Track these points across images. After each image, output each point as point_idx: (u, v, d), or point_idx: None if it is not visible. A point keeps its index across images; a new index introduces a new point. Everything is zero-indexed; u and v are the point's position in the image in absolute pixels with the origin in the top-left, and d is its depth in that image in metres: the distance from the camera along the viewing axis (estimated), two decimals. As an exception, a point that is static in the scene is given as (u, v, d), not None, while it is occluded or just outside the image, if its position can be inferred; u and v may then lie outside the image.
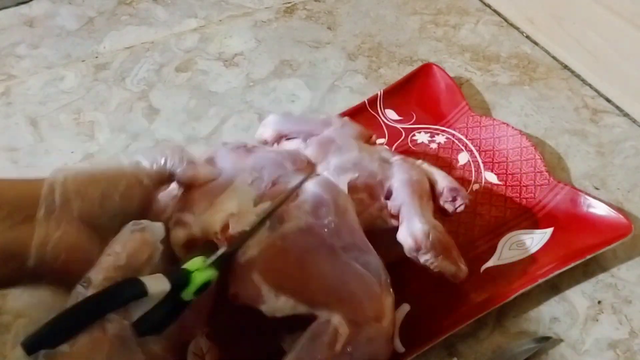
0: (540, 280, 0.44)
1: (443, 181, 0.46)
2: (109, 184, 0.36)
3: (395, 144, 0.57)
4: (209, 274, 0.34)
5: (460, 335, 0.43)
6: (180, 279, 0.33)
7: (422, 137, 0.58)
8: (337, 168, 0.42)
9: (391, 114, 0.60)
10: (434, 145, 0.57)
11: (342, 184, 0.41)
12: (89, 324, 0.30)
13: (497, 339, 0.44)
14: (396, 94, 0.60)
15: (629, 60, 0.59)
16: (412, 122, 0.59)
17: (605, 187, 0.54)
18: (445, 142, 0.57)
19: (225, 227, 0.37)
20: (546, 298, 0.46)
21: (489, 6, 0.74)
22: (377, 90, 0.61)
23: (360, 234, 0.39)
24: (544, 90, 0.64)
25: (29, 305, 0.46)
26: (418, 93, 0.61)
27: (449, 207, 0.45)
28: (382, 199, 0.42)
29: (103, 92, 0.64)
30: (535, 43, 0.69)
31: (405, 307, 0.45)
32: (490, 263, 0.47)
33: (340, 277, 0.36)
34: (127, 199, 0.36)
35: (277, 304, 0.35)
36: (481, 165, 0.55)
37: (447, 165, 0.55)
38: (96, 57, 0.69)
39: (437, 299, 0.45)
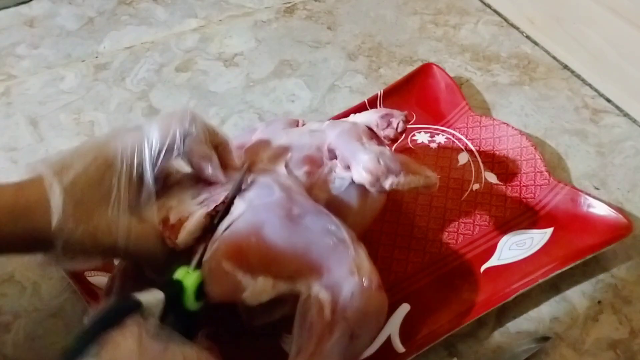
0: (540, 280, 0.44)
1: (372, 116, 0.46)
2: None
3: (396, 144, 0.57)
4: (198, 276, 0.34)
5: (460, 335, 0.43)
6: (172, 288, 0.33)
7: (422, 137, 0.58)
8: (270, 157, 0.42)
9: (391, 114, 0.60)
10: (434, 145, 0.57)
11: (280, 168, 0.41)
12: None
13: (497, 338, 0.44)
14: (396, 94, 0.60)
15: (629, 60, 0.59)
16: (412, 122, 0.59)
17: (605, 187, 0.54)
18: (445, 142, 0.57)
19: (165, 219, 0.37)
20: (546, 298, 0.46)
21: (489, 6, 0.74)
22: (377, 90, 0.61)
23: (312, 202, 0.39)
24: (544, 90, 0.64)
25: (30, 305, 0.46)
26: (418, 93, 0.61)
27: (388, 132, 0.45)
28: (327, 161, 0.42)
29: (103, 92, 0.64)
30: (535, 43, 0.69)
31: (405, 307, 0.45)
32: (490, 263, 0.47)
33: (305, 243, 0.36)
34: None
35: (257, 286, 0.34)
36: (481, 165, 0.55)
37: (447, 165, 0.55)
38: (96, 57, 0.69)
39: (437, 299, 0.45)
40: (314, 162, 0.42)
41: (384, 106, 0.60)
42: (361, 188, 0.41)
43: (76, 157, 0.35)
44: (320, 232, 0.37)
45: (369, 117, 0.47)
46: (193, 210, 0.37)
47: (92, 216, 0.34)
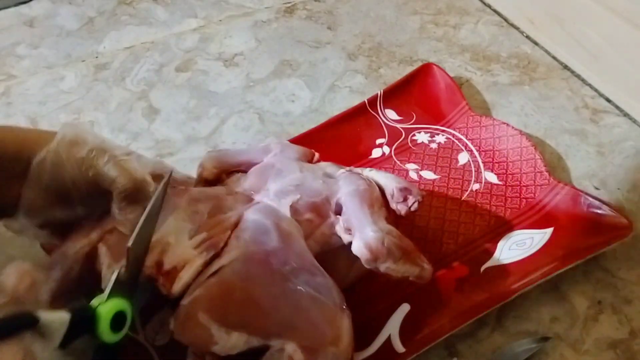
0: (540, 280, 0.44)
1: (391, 183, 0.44)
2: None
3: (395, 144, 0.57)
4: (114, 304, 0.32)
5: (460, 335, 0.43)
6: (82, 312, 0.31)
7: (422, 137, 0.58)
8: (277, 192, 0.41)
9: (391, 114, 0.60)
10: (434, 145, 0.57)
11: (284, 207, 0.40)
12: None
13: (497, 338, 0.44)
14: (396, 94, 0.60)
15: (629, 60, 0.59)
16: (412, 122, 0.59)
17: (605, 187, 0.54)
18: (445, 142, 0.57)
19: (159, 263, 0.36)
20: (546, 298, 0.46)
21: (489, 6, 0.74)
22: (377, 90, 0.61)
23: (309, 257, 0.38)
24: (544, 90, 0.64)
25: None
26: (418, 93, 0.61)
27: (401, 208, 0.43)
28: (332, 215, 0.41)
29: (103, 92, 0.64)
30: (535, 43, 0.69)
31: (405, 307, 0.45)
32: (490, 263, 0.47)
33: (292, 304, 0.35)
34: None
35: (229, 341, 0.33)
36: (481, 165, 0.55)
37: (447, 165, 0.55)
38: (96, 57, 0.69)
39: (437, 299, 0.45)
40: (319, 212, 0.41)
41: (384, 106, 0.60)
42: (352, 253, 0.40)
43: None
44: (310, 295, 0.36)
45: (387, 182, 0.45)
46: (188, 255, 0.36)
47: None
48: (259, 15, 0.74)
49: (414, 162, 0.55)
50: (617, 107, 0.61)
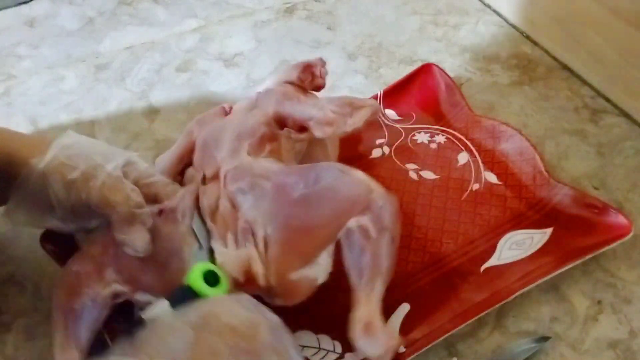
0: (540, 280, 0.44)
1: (291, 73, 0.47)
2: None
3: (395, 144, 0.57)
4: (203, 265, 0.35)
5: (460, 334, 0.43)
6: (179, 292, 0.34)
7: (422, 137, 0.58)
8: (229, 154, 0.42)
9: (391, 114, 0.60)
10: (433, 145, 0.57)
11: (244, 159, 0.41)
12: None
13: (497, 338, 0.44)
14: (396, 94, 0.60)
15: (629, 61, 0.59)
16: (412, 122, 0.59)
17: (605, 187, 0.54)
18: (445, 142, 0.57)
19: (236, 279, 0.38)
20: (546, 298, 0.46)
21: (488, 6, 0.74)
22: (377, 90, 0.61)
23: (296, 166, 0.41)
24: (543, 90, 0.64)
25: (30, 305, 0.46)
26: (418, 93, 0.61)
27: (319, 82, 0.47)
28: (280, 130, 0.43)
29: (103, 92, 0.64)
30: (535, 43, 0.69)
31: (405, 307, 0.45)
32: (490, 263, 0.47)
33: (328, 203, 0.38)
34: None
35: (321, 265, 0.37)
36: (481, 165, 0.55)
37: (446, 165, 0.55)
38: (96, 57, 0.69)
39: (437, 298, 0.45)
40: (270, 138, 0.42)
41: (384, 106, 0.60)
42: (319, 142, 0.42)
43: None
44: (329, 185, 0.38)
45: (287, 75, 0.47)
46: (244, 256, 0.38)
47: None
48: (259, 16, 0.74)
49: (414, 162, 0.55)
50: (616, 107, 0.61)
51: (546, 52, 0.68)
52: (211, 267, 0.35)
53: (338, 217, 0.37)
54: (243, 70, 0.67)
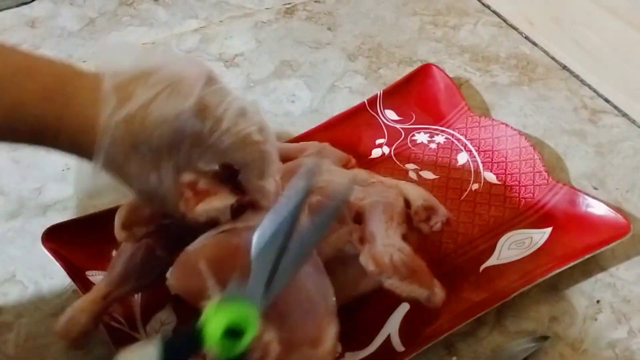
0: (539, 280, 0.44)
1: (418, 200, 0.43)
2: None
3: (395, 144, 0.57)
4: (226, 315, 0.28)
5: (459, 334, 0.43)
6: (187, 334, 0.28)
7: (421, 138, 0.58)
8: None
9: (391, 114, 0.60)
10: (433, 146, 0.57)
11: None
12: None
13: (497, 338, 0.44)
14: (396, 95, 0.60)
15: (628, 61, 0.60)
16: (411, 122, 0.59)
17: (604, 187, 0.54)
18: (444, 142, 0.57)
19: (194, 182, 0.35)
20: (545, 297, 0.46)
21: (488, 7, 0.75)
22: (377, 90, 0.61)
23: (315, 256, 0.37)
24: (542, 90, 0.64)
25: (31, 305, 0.46)
26: (417, 93, 0.61)
27: (423, 227, 0.42)
28: (351, 222, 0.40)
29: (104, 93, 0.64)
30: (534, 44, 0.69)
31: (405, 307, 0.45)
32: (489, 262, 0.47)
33: (286, 292, 0.33)
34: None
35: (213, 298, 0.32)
36: (480, 165, 0.55)
37: (446, 166, 0.55)
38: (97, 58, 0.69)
39: (437, 298, 0.45)
40: (339, 218, 0.40)
41: (384, 106, 0.60)
42: (360, 266, 0.39)
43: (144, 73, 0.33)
44: (305, 290, 0.35)
45: (415, 198, 0.43)
46: (223, 191, 0.35)
47: (137, 152, 0.32)
48: (260, 16, 0.74)
49: (414, 162, 0.55)
50: (615, 107, 0.62)
51: (545, 52, 0.68)
52: (240, 317, 0.28)
53: (271, 307, 0.32)
54: (243, 71, 0.67)
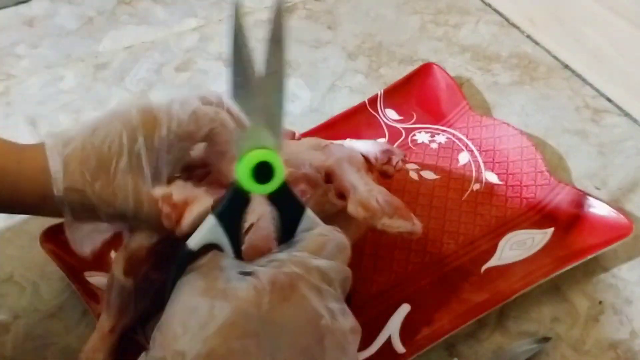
0: (541, 281, 0.44)
1: (373, 148, 0.46)
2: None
3: (396, 144, 0.57)
4: (257, 154, 0.30)
5: (460, 335, 0.43)
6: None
7: (422, 137, 0.58)
8: None
9: (391, 114, 0.59)
10: (434, 145, 0.57)
11: None
12: None
13: (498, 339, 0.44)
14: (396, 94, 0.60)
15: (630, 60, 0.59)
16: (412, 121, 0.59)
17: (606, 187, 0.54)
18: (445, 141, 0.57)
19: (167, 196, 0.35)
20: (547, 298, 0.46)
21: (489, 6, 0.74)
22: (377, 89, 0.61)
23: None
24: (544, 90, 0.63)
25: (29, 305, 0.46)
26: (418, 93, 0.60)
27: (387, 168, 0.46)
28: (323, 183, 0.42)
29: (103, 92, 0.64)
30: (536, 43, 0.69)
31: (406, 307, 0.44)
32: (490, 263, 0.47)
33: None
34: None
35: None
36: (482, 165, 0.55)
37: (447, 165, 0.55)
38: (96, 57, 0.68)
39: (438, 299, 0.45)
40: (309, 182, 0.41)
41: (384, 106, 0.60)
42: (348, 216, 0.41)
43: (84, 128, 0.34)
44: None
45: (369, 148, 0.47)
46: (196, 191, 0.35)
47: (98, 181, 0.33)
48: (259, 15, 0.74)
49: (414, 162, 0.55)
50: (618, 107, 0.61)
51: (547, 51, 0.68)
52: (264, 156, 0.30)
53: None
54: (243, 70, 0.67)
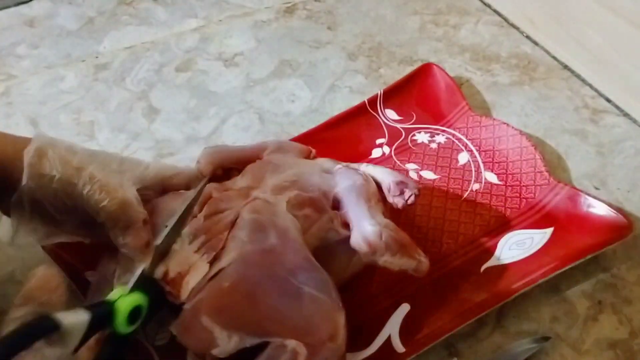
0: (540, 280, 0.44)
1: (388, 178, 0.45)
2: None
3: (395, 144, 0.57)
4: (133, 299, 0.34)
5: (460, 335, 0.43)
6: (101, 310, 0.32)
7: (422, 137, 0.58)
8: (274, 188, 0.41)
9: (391, 114, 0.60)
10: (434, 145, 0.57)
11: (281, 203, 0.40)
12: None
13: (497, 338, 0.44)
14: (396, 94, 0.60)
15: (629, 60, 0.59)
16: (412, 122, 0.59)
17: (605, 187, 0.54)
18: (445, 142, 0.57)
19: (166, 274, 0.37)
20: (546, 298, 0.46)
21: (489, 6, 0.74)
22: (377, 90, 0.61)
23: (306, 254, 0.38)
24: (544, 90, 0.64)
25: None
26: (418, 93, 0.61)
27: (398, 201, 0.44)
28: (329, 210, 0.41)
29: (103, 92, 0.64)
30: (535, 43, 0.69)
31: (405, 307, 0.45)
32: (490, 263, 0.47)
33: (291, 302, 0.35)
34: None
35: (230, 344, 0.33)
36: (481, 165, 0.55)
37: (447, 165, 0.55)
38: (96, 57, 0.69)
39: (437, 298, 0.45)
40: (316, 207, 0.40)
41: (384, 106, 0.60)
42: (350, 249, 0.40)
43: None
44: (308, 293, 0.36)
45: (383, 177, 0.45)
46: (191, 259, 0.37)
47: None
48: (259, 15, 0.74)
49: (414, 162, 0.55)
50: (617, 107, 0.61)
51: (546, 51, 0.68)
52: (142, 302, 0.34)
53: (284, 324, 0.34)
54: (243, 70, 0.67)
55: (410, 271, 0.40)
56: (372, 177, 0.45)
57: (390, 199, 0.44)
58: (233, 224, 0.39)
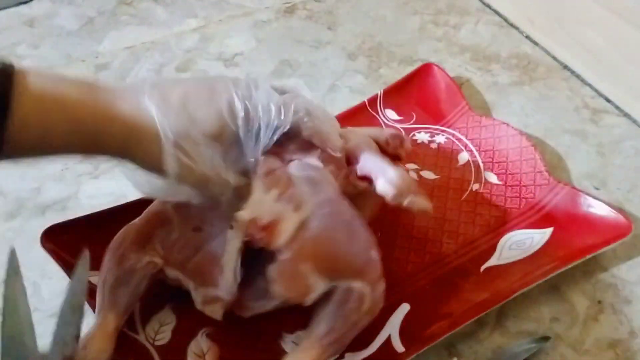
0: (540, 280, 0.44)
1: (383, 133, 0.48)
2: None
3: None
4: None
5: (460, 335, 0.43)
6: None
7: (422, 137, 0.58)
8: (299, 149, 0.42)
9: (391, 114, 0.60)
10: (434, 145, 0.57)
11: (312, 160, 0.42)
12: None
13: (497, 338, 0.44)
14: (396, 94, 0.60)
15: (629, 60, 0.59)
16: (412, 122, 0.59)
17: (605, 187, 0.54)
18: (445, 142, 0.57)
19: (254, 220, 0.37)
20: (546, 298, 0.46)
21: (489, 6, 0.74)
22: (377, 90, 0.61)
23: (348, 202, 0.41)
24: (544, 90, 0.64)
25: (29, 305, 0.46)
26: (418, 93, 0.61)
27: (400, 152, 0.48)
28: (345, 165, 0.44)
29: (103, 92, 0.64)
30: (535, 43, 0.69)
31: (405, 307, 0.45)
32: (490, 263, 0.47)
33: (357, 247, 0.39)
34: None
35: (318, 291, 0.37)
36: (481, 165, 0.55)
37: (447, 165, 0.55)
38: (96, 57, 0.69)
39: (437, 298, 0.45)
40: (336, 163, 0.43)
41: (384, 106, 0.60)
42: (365, 197, 0.43)
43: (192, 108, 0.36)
44: (366, 237, 0.40)
45: (379, 134, 0.48)
46: (277, 209, 0.38)
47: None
48: (259, 15, 0.74)
49: (414, 162, 0.55)
50: (617, 107, 0.61)
51: (546, 52, 0.68)
52: None
53: (353, 267, 0.38)
54: (243, 70, 0.67)
55: (421, 212, 0.43)
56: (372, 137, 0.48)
57: (391, 151, 0.48)
58: (290, 180, 0.40)
